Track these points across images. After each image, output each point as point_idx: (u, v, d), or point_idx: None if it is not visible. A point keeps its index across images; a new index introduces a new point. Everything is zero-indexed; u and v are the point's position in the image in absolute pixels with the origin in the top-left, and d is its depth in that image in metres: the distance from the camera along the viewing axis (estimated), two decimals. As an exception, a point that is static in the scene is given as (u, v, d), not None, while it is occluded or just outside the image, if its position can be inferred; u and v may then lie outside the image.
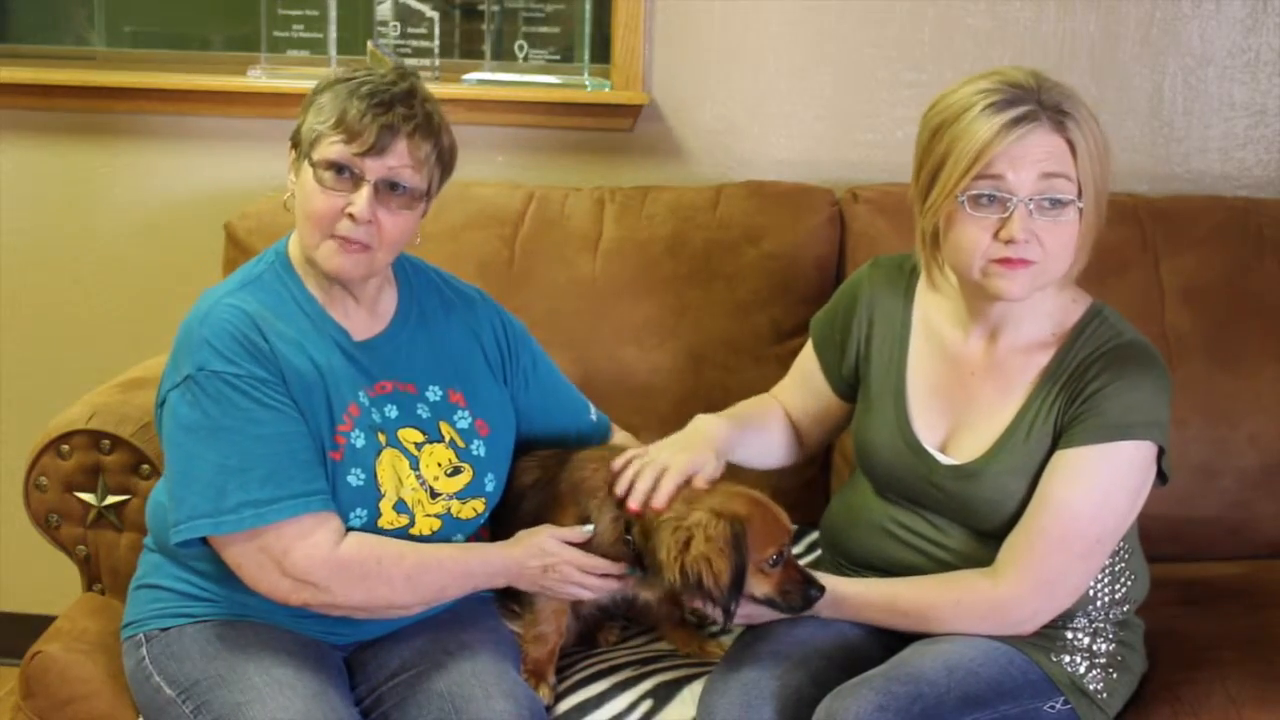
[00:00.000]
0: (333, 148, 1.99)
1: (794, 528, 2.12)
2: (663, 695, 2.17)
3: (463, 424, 2.18)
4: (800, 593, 2.06)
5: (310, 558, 1.99)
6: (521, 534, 2.14)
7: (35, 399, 3.14)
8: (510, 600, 2.27)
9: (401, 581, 2.04)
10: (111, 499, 2.38)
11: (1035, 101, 1.97)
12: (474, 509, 2.16)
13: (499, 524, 2.25)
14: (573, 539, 2.11)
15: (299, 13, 3.09)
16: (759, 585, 2.05)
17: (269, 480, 1.97)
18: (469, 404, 2.19)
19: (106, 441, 2.36)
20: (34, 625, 2.51)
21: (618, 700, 2.16)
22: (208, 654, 2.05)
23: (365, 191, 2.00)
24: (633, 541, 2.09)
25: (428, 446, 2.13)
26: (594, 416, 2.39)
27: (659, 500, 2.05)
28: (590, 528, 2.12)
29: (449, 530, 2.14)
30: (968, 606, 2.04)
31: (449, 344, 2.21)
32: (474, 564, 2.10)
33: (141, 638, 2.13)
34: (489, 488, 2.18)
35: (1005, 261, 1.99)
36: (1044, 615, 2.05)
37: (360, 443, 2.07)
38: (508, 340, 2.28)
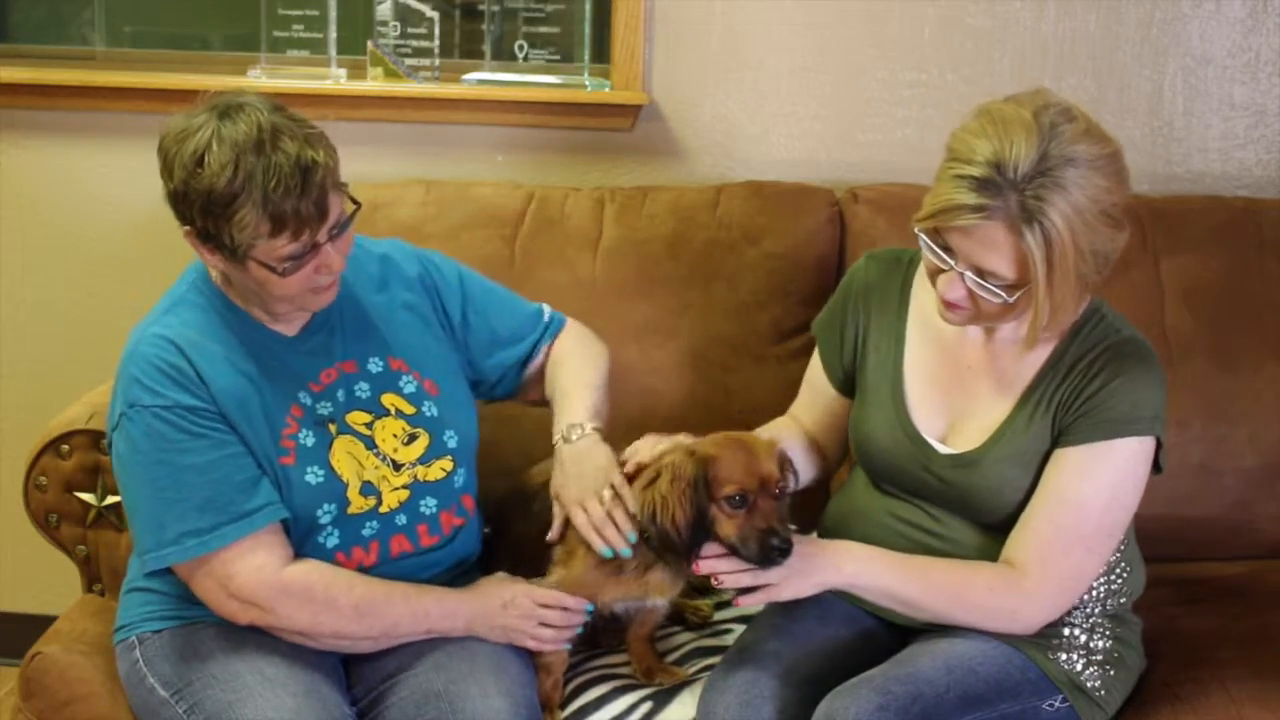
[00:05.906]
0: (286, 247, 1.98)
1: (790, 484, 2.06)
2: (662, 696, 2.17)
3: (409, 389, 2.19)
4: (759, 542, 1.96)
5: (254, 580, 2.02)
6: (483, 580, 2.17)
7: (35, 399, 3.14)
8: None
9: (350, 610, 2.05)
10: (111, 499, 2.38)
11: (1013, 190, 1.89)
12: (441, 469, 2.18)
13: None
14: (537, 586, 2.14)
15: (299, 13, 3.08)
16: (721, 526, 2.00)
17: (206, 508, 2.00)
18: (411, 367, 2.21)
19: (106, 441, 2.36)
20: (34, 625, 2.52)
21: (618, 702, 2.17)
22: (200, 654, 2.07)
23: (328, 250, 2.02)
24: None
25: (378, 423, 2.15)
26: (546, 318, 2.39)
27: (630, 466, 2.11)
28: (547, 578, 2.14)
29: (418, 495, 2.16)
30: (1000, 594, 2.03)
31: (377, 311, 2.22)
32: (428, 602, 2.11)
33: (134, 640, 2.15)
34: (451, 444, 2.20)
35: (945, 299, 2.02)
36: (1055, 614, 2.05)
37: (310, 441, 2.10)
38: (435, 284, 2.29)
